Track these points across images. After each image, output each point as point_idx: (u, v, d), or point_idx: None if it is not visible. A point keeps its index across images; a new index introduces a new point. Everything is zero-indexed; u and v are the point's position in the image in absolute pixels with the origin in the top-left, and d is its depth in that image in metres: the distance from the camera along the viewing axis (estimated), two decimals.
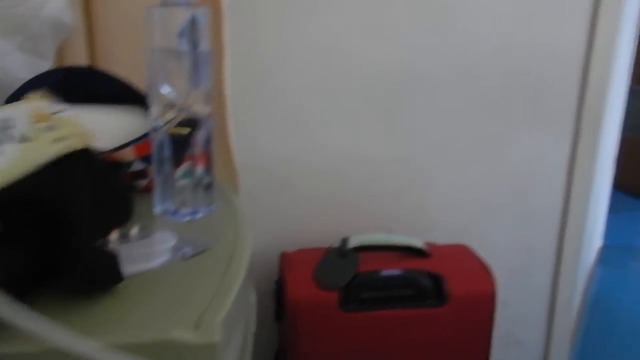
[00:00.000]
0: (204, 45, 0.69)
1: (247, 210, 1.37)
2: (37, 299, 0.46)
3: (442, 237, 1.45)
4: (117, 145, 0.75)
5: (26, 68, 0.86)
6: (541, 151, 1.48)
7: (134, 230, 0.65)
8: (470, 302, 1.21)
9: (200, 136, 0.72)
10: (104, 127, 0.69)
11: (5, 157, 0.40)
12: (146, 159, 0.77)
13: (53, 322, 0.38)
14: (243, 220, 0.75)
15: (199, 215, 0.74)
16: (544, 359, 1.64)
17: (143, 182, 0.80)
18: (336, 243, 1.29)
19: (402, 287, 1.21)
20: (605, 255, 2.73)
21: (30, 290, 0.47)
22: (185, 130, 0.71)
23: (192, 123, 0.71)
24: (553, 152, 1.48)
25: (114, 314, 0.49)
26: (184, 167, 0.72)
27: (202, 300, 0.51)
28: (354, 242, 1.26)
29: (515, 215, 1.52)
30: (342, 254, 1.24)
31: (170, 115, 0.69)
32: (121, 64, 0.93)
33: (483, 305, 1.23)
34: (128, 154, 0.77)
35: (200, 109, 0.71)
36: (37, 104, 0.47)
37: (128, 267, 0.56)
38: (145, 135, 0.75)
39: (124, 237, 0.64)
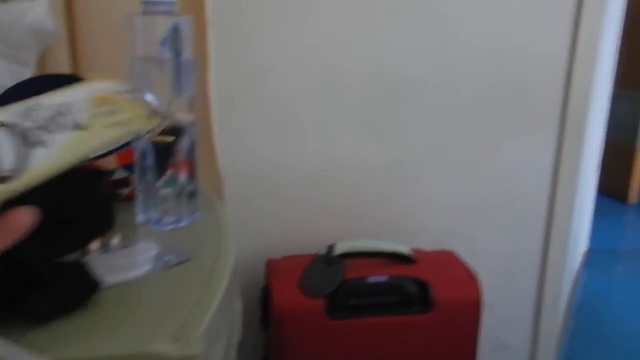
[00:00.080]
0: (187, 53, 0.69)
1: (234, 216, 1.36)
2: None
3: (429, 242, 1.45)
4: (98, 153, 0.75)
5: (7, 75, 0.85)
6: (526, 156, 1.49)
7: (116, 240, 0.64)
8: (456, 309, 1.22)
9: (183, 144, 0.72)
10: None
11: (48, 151, 0.37)
12: (129, 167, 0.76)
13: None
14: (227, 228, 0.75)
15: (183, 223, 0.73)
16: None
17: (125, 191, 0.80)
18: (322, 250, 1.28)
19: (389, 293, 1.21)
20: (591, 258, 2.75)
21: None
22: (169, 139, 0.70)
23: (175, 131, 0.70)
24: (538, 157, 1.49)
25: (92, 326, 0.48)
26: (166, 175, 0.72)
27: (183, 312, 0.50)
28: (340, 248, 1.26)
29: (501, 220, 1.53)
30: (329, 260, 1.24)
31: None
32: (104, 72, 0.92)
33: (469, 311, 1.23)
34: (110, 162, 0.76)
35: (183, 116, 0.71)
36: (101, 84, 0.44)
37: (109, 278, 0.55)
38: (128, 144, 0.75)
39: (105, 247, 0.63)
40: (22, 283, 0.47)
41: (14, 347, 0.32)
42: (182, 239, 0.70)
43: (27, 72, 0.89)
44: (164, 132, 0.70)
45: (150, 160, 0.71)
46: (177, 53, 0.68)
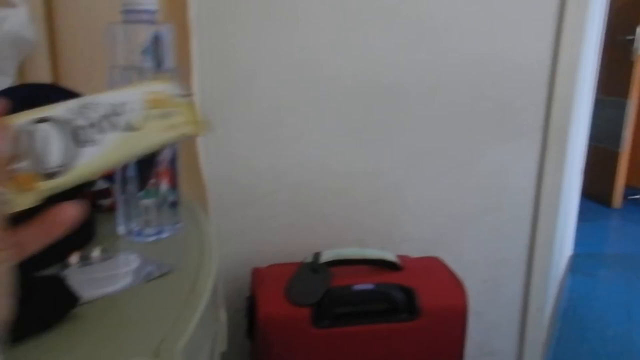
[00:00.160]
0: (169, 62, 0.68)
1: (219, 225, 1.36)
2: None
3: (415, 249, 1.45)
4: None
5: None
6: (510, 163, 1.49)
7: (96, 252, 0.63)
8: (443, 315, 1.21)
9: (165, 154, 0.71)
10: None
11: (97, 149, 0.37)
12: (109, 178, 0.75)
13: None
14: (210, 239, 0.74)
15: (165, 235, 0.73)
16: None
17: (106, 202, 0.79)
18: (308, 258, 1.28)
19: (375, 301, 1.21)
20: (576, 263, 2.77)
21: None
22: None
23: None
24: (522, 163, 1.50)
25: (71, 342, 0.47)
26: (147, 185, 0.71)
27: (163, 326, 0.49)
28: (326, 256, 1.26)
29: (487, 226, 1.54)
30: (315, 269, 1.23)
31: None
32: (85, 81, 0.91)
33: (455, 318, 1.23)
34: None
35: None
36: (156, 86, 0.44)
37: (88, 292, 0.54)
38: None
39: (86, 260, 0.62)
40: None
41: None
42: (164, 251, 0.69)
43: (6, 82, 0.88)
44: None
45: (131, 171, 0.70)
46: (159, 62, 0.67)
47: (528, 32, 1.41)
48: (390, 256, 1.28)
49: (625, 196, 3.74)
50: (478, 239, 1.54)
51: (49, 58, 0.94)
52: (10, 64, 0.89)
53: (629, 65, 3.43)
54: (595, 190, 3.71)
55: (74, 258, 0.61)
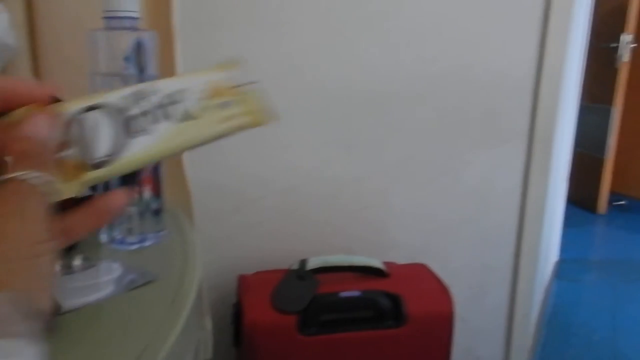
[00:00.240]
0: (151, 68, 0.68)
1: (204, 231, 1.35)
2: None
3: (402, 256, 1.45)
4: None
5: None
6: (496, 170, 1.50)
7: (78, 261, 0.63)
8: (429, 322, 1.21)
9: None
10: None
11: (149, 139, 0.36)
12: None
13: None
14: (193, 247, 0.73)
15: (148, 243, 0.72)
16: None
17: None
18: (295, 265, 1.27)
19: (362, 308, 1.20)
20: (561, 269, 2.79)
21: None
22: None
23: None
24: (507, 170, 1.51)
25: (52, 351, 0.46)
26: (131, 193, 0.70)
27: (145, 335, 0.49)
28: (312, 263, 1.25)
29: (473, 233, 1.54)
30: (301, 276, 1.23)
31: None
32: (67, 88, 0.90)
33: (442, 324, 1.23)
34: None
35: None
36: (217, 74, 0.42)
37: (70, 300, 0.54)
38: None
39: (67, 268, 0.61)
40: None
41: None
42: (147, 259, 0.68)
43: None
44: None
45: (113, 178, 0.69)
46: (141, 69, 0.67)
47: (513, 40, 1.42)
48: (376, 263, 1.28)
49: (610, 202, 3.77)
50: (464, 246, 1.54)
51: (30, 64, 0.93)
52: None
53: (614, 72, 3.46)
54: (581, 196, 3.74)
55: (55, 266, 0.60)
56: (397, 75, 1.40)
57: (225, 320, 1.29)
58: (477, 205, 1.52)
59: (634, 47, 3.40)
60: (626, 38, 3.36)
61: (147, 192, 0.71)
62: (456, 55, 1.41)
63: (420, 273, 1.34)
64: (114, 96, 0.36)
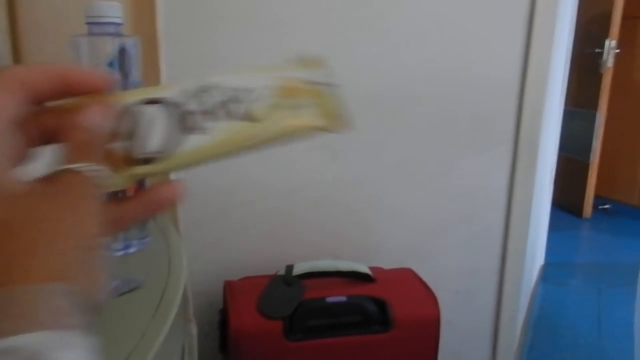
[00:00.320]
0: (135, 74, 0.68)
1: (190, 237, 1.35)
2: None
3: (389, 260, 1.45)
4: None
5: None
6: (482, 174, 1.51)
7: None
8: (416, 327, 1.22)
9: None
10: None
11: (204, 138, 0.34)
12: None
13: None
14: (179, 253, 0.73)
15: (132, 249, 0.71)
16: None
17: None
18: (281, 270, 1.27)
19: (348, 313, 1.20)
20: (547, 272, 2.81)
21: None
22: None
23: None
24: (493, 174, 1.52)
25: None
26: None
27: (130, 342, 0.49)
28: (299, 269, 1.25)
29: (459, 237, 1.55)
30: (287, 281, 1.23)
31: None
32: None
33: (428, 328, 1.23)
34: None
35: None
36: (292, 71, 0.38)
37: None
38: None
39: None
40: None
41: None
42: (132, 266, 0.68)
43: None
44: None
45: None
46: (125, 75, 0.66)
47: (498, 46, 1.44)
48: (363, 268, 1.28)
49: (595, 206, 3.80)
50: (451, 250, 1.55)
51: None
52: None
53: (598, 77, 3.50)
54: (566, 200, 3.77)
55: None
56: (387, 79, 1.40)
57: (212, 325, 1.28)
58: (464, 209, 1.53)
59: (618, 52, 3.44)
60: (610, 44, 3.39)
61: None
62: (442, 60, 1.42)
63: (406, 278, 1.34)
64: (175, 90, 0.34)
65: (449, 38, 1.41)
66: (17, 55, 0.93)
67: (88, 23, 0.65)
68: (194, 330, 1.14)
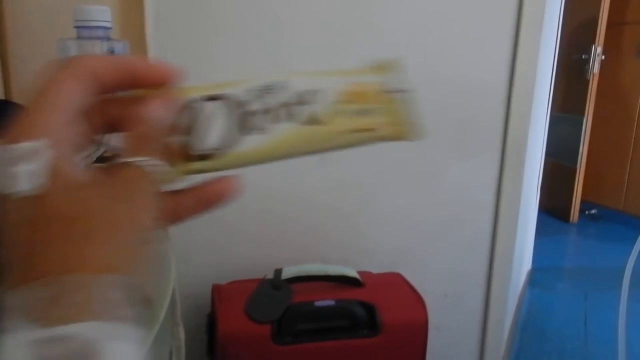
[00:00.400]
0: None
1: (179, 241, 1.34)
2: None
3: (377, 264, 1.46)
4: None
5: None
6: (470, 179, 1.52)
7: None
8: (404, 331, 1.22)
9: None
10: None
11: (262, 139, 0.34)
12: None
13: None
14: (167, 256, 0.73)
15: None
16: None
17: None
18: (270, 274, 1.27)
19: (336, 318, 1.20)
20: (534, 277, 2.82)
21: None
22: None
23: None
24: (481, 179, 1.53)
25: None
26: None
27: None
28: (287, 273, 1.25)
29: (447, 242, 1.55)
30: (276, 285, 1.22)
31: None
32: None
33: (416, 333, 1.24)
34: None
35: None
36: (362, 76, 0.36)
37: None
38: None
39: None
40: None
41: None
42: None
43: None
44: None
45: None
46: None
47: (486, 52, 1.45)
48: (351, 272, 1.28)
49: (581, 211, 3.83)
50: (439, 254, 1.56)
51: (1, 73, 0.92)
52: None
53: (584, 83, 3.53)
54: (553, 205, 3.79)
55: None
56: None
57: (199, 329, 1.28)
58: (452, 214, 1.54)
59: (604, 59, 3.48)
60: (596, 50, 3.43)
61: None
62: (429, 65, 1.42)
63: (394, 282, 1.35)
64: (239, 88, 0.34)
65: (436, 43, 1.42)
66: (4, 58, 0.92)
67: (77, 27, 0.65)
68: (182, 333, 1.14)
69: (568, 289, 2.80)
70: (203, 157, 0.33)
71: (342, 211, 1.47)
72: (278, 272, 1.26)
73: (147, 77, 0.32)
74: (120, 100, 0.33)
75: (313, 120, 0.34)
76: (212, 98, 0.34)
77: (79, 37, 0.65)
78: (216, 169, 0.34)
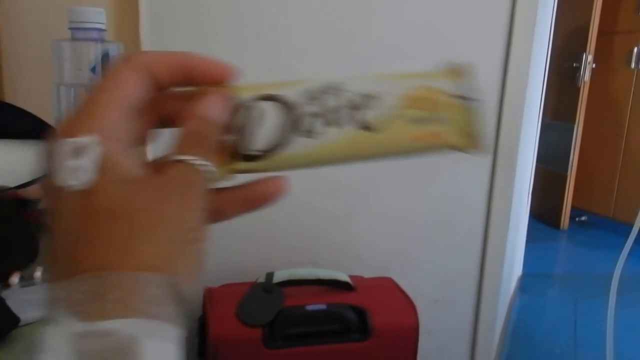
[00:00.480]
0: None
1: None
2: None
3: (368, 269, 1.46)
4: (23, 182, 0.72)
5: None
6: (462, 184, 1.53)
7: (38, 273, 0.62)
8: (394, 336, 1.22)
9: None
10: (10, 163, 0.66)
11: (312, 142, 0.33)
12: None
13: None
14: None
15: None
16: None
17: None
18: (261, 278, 1.27)
19: (328, 322, 1.21)
20: (525, 283, 2.83)
21: None
22: None
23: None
24: (473, 185, 1.53)
25: None
26: None
27: None
28: (279, 276, 1.25)
29: (439, 247, 1.56)
30: (267, 289, 1.22)
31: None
32: (31, 98, 0.89)
33: (407, 337, 1.24)
34: (35, 191, 0.74)
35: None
36: (430, 79, 0.35)
37: (29, 313, 0.53)
38: None
39: (27, 280, 0.61)
40: None
41: None
42: None
43: None
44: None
45: None
46: None
47: (477, 59, 1.45)
48: (343, 277, 1.28)
49: (572, 217, 3.84)
50: (430, 259, 1.56)
51: None
52: None
53: (575, 91, 3.56)
54: (544, 211, 3.81)
55: (14, 278, 0.59)
56: None
57: (190, 333, 1.27)
58: (443, 219, 1.54)
59: (595, 67, 3.51)
60: (587, 58, 3.46)
61: None
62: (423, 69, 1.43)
63: (386, 286, 1.35)
64: (294, 90, 0.33)
65: (428, 50, 1.42)
66: None
67: (71, 28, 0.65)
68: None
69: (558, 295, 2.81)
70: (252, 157, 0.33)
71: (333, 215, 1.48)
72: (269, 275, 1.26)
73: (203, 75, 0.33)
74: (176, 97, 0.33)
75: (368, 126, 0.33)
76: (266, 98, 0.33)
77: (73, 39, 0.65)
78: (264, 170, 0.34)
